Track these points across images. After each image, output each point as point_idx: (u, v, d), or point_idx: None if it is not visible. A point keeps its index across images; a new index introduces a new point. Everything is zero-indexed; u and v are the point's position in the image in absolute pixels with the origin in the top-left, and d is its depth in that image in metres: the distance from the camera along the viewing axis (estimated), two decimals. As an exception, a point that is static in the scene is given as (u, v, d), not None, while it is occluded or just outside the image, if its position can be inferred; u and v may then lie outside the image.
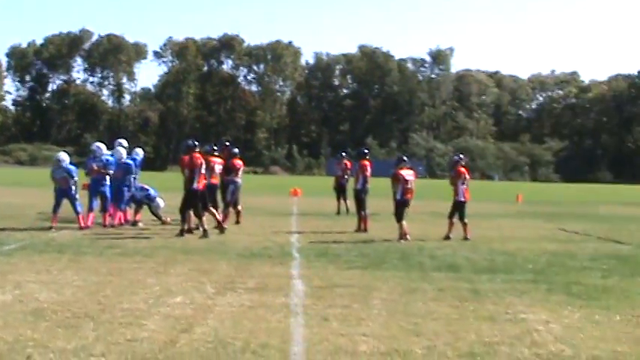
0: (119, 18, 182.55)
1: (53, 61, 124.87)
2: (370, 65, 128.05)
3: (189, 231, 15.28)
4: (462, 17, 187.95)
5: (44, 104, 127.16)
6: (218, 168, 16.96)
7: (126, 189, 16.81)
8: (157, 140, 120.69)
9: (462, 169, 16.25)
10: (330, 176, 29.92)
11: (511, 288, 9.35)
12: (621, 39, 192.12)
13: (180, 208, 15.36)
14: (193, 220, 15.43)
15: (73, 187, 15.88)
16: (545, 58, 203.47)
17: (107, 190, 16.38)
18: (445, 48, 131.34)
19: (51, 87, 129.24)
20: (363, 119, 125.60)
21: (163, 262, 10.99)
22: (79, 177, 16.25)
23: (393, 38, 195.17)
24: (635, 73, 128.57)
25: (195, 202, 15.11)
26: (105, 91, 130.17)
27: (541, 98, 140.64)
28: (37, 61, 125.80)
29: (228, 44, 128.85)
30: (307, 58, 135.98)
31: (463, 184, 16.07)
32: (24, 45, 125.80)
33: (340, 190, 23.52)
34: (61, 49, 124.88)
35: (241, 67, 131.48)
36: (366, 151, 19.60)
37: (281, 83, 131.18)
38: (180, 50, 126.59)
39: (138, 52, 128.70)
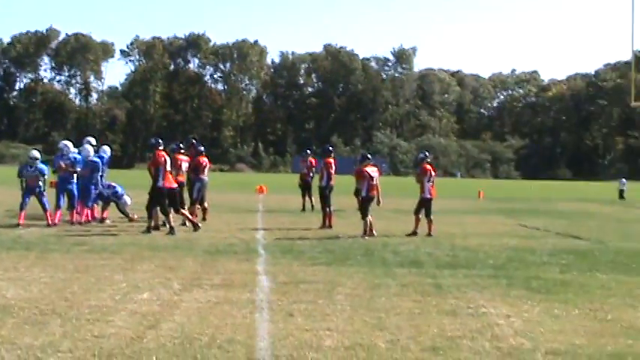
0: (86, 17, 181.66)
1: (20, 59, 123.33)
2: (335, 64, 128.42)
3: (156, 228, 15.29)
4: (425, 17, 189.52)
5: (12, 102, 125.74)
6: (185, 166, 17.06)
7: (93, 187, 16.78)
8: (125, 138, 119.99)
9: (428, 167, 16.44)
10: (296, 174, 30.01)
11: (472, 283, 9.50)
12: (580, 39, 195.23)
13: (146, 206, 15.41)
14: (160, 217, 15.45)
15: (42, 185, 15.92)
16: (506, 57, 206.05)
17: (74, 187, 16.36)
18: (408, 47, 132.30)
19: (18, 85, 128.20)
20: (327, 117, 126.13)
21: (130, 258, 11.00)
22: (48, 175, 16.29)
23: (358, 38, 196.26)
24: (593, 72, 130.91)
25: (161, 199, 15.14)
26: (72, 90, 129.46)
27: (502, 97, 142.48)
28: (4, 60, 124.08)
29: (194, 43, 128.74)
30: (273, 57, 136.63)
31: (429, 181, 16.26)
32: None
33: (305, 187, 23.63)
34: (29, 48, 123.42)
35: (207, 66, 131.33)
36: (331, 148, 19.83)
37: (247, 82, 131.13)
38: (147, 49, 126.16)
39: (105, 50, 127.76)
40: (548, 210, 28.37)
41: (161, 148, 15.63)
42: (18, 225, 15.30)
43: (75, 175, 16.37)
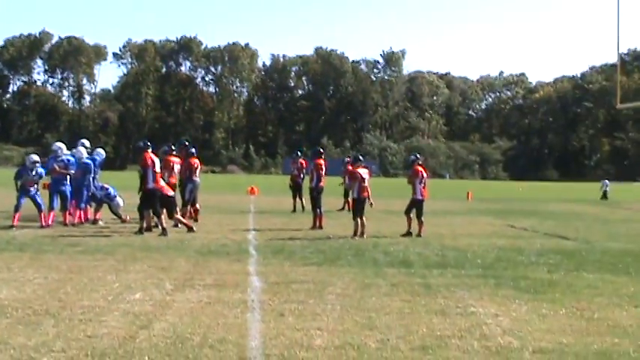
0: (79, 20, 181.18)
1: (14, 62, 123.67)
2: (325, 67, 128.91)
3: (148, 229, 15.34)
4: (414, 20, 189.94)
5: (5, 105, 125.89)
6: (177, 167, 17.19)
7: (85, 188, 16.84)
8: (117, 140, 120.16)
9: (420, 169, 16.52)
10: (287, 175, 30.07)
11: (461, 283, 9.58)
12: (566, 42, 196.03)
13: (138, 207, 15.47)
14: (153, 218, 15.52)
15: (36, 186, 16.09)
16: (494, 60, 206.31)
17: (67, 189, 16.43)
18: (397, 50, 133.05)
19: (11, 88, 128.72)
20: (318, 120, 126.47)
21: (123, 259, 11.05)
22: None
23: (348, 40, 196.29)
24: (579, 75, 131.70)
25: (152, 201, 15.21)
26: (65, 92, 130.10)
27: (490, 99, 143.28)
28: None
29: (186, 46, 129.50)
30: (264, 59, 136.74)
31: (421, 183, 16.34)
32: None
33: (296, 189, 23.72)
34: (22, 51, 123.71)
35: (199, 69, 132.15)
36: (321, 150, 20.00)
37: (238, 84, 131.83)
38: (139, 52, 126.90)
39: (97, 53, 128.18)
40: (537, 211, 28.49)
41: (149, 150, 15.67)
42: (12, 227, 15.34)
43: (68, 177, 16.45)
